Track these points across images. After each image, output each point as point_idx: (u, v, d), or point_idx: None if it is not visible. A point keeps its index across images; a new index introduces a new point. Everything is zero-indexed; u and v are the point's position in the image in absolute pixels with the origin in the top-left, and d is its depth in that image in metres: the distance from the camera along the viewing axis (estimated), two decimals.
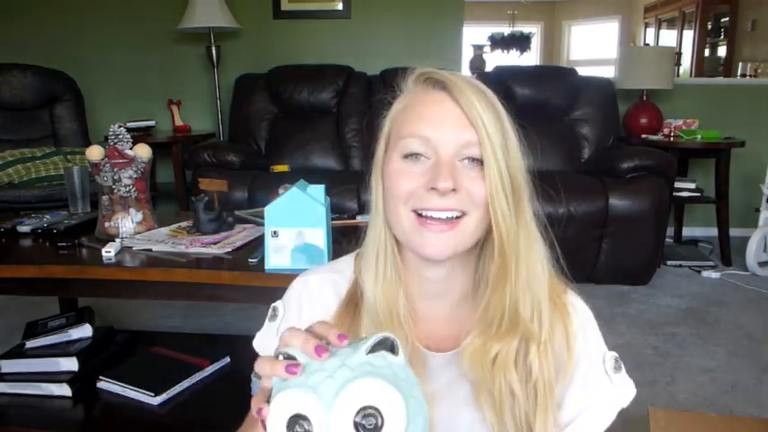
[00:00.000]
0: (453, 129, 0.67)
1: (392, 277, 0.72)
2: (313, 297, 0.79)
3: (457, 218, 0.67)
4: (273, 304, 0.83)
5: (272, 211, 1.29)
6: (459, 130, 0.67)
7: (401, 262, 0.74)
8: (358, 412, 0.45)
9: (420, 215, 0.67)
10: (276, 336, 0.79)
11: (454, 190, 0.66)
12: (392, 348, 0.49)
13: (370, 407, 0.45)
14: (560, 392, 0.71)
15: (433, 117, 0.68)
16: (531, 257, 0.70)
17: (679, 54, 6.39)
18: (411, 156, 0.68)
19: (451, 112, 0.67)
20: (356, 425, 0.45)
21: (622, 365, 0.75)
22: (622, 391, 0.74)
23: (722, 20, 6.34)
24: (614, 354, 0.75)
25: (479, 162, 0.67)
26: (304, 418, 0.46)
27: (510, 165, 0.68)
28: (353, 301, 0.75)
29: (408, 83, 0.73)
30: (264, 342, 0.82)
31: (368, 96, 3.64)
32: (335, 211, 1.55)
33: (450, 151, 0.67)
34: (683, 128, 3.67)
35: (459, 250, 0.68)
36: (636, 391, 0.75)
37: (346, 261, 0.81)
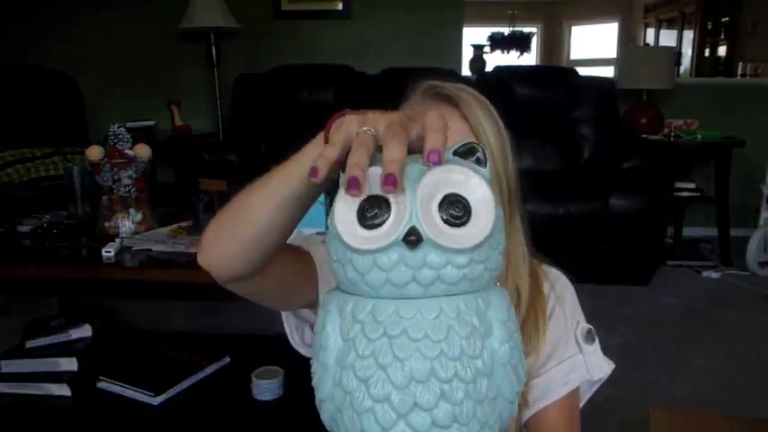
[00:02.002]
0: (459, 139, 0.69)
1: None
2: None
3: None
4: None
5: None
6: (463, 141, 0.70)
7: None
8: (443, 200, 0.42)
9: None
10: (322, 243, 0.76)
11: None
12: (478, 162, 0.46)
13: (457, 195, 0.42)
14: (532, 354, 0.74)
15: None
16: (517, 254, 0.74)
17: (679, 54, 6.39)
18: None
19: (460, 126, 0.71)
20: (441, 208, 0.42)
21: (596, 338, 0.78)
22: (591, 363, 0.76)
23: (722, 20, 6.34)
24: (589, 326, 0.78)
25: None
26: (383, 201, 0.42)
27: (507, 175, 0.72)
28: None
29: (416, 94, 0.76)
30: (307, 240, 0.77)
31: (368, 96, 3.63)
32: None
33: None
34: (683, 128, 3.67)
35: None
36: (610, 371, 0.77)
37: None
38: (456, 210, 0.42)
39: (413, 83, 0.77)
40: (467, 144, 0.45)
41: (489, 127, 0.71)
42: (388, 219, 0.42)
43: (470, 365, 0.43)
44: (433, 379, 0.42)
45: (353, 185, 0.41)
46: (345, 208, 0.43)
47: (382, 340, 0.43)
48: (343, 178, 0.43)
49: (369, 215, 0.42)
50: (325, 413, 0.48)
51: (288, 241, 0.74)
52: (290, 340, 0.83)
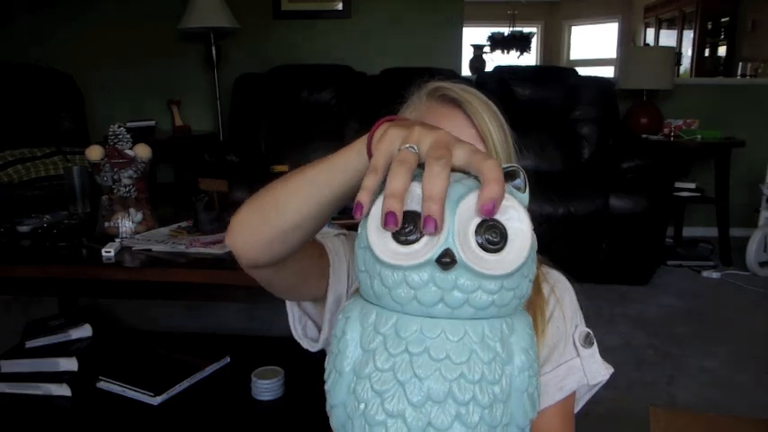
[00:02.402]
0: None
1: None
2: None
3: None
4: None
5: None
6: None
7: None
8: (480, 224, 0.42)
9: None
10: (335, 236, 0.77)
11: None
12: (517, 187, 0.45)
13: (495, 221, 0.42)
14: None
15: (449, 130, 0.70)
16: None
17: (679, 54, 6.39)
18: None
19: (465, 129, 0.71)
20: (477, 231, 0.42)
21: (595, 342, 0.78)
22: (589, 367, 0.75)
23: (722, 20, 6.34)
24: (587, 329, 0.78)
25: None
26: (419, 217, 0.41)
27: None
28: None
29: (421, 94, 0.76)
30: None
31: (368, 96, 3.64)
32: None
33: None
34: (683, 128, 3.67)
35: None
36: (608, 375, 0.77)
37: None
38: (492, 235, 0.42)
39: (417, 84, 0.77)
40: (508, 167, 0.44)
41: (494, 128, 0.71)
42: (423, 236, 0.42)
43: (489, 390, 0.43)
44: (450, 400, 0.42)
45: (391, 222, 0.40)
46: (376, 217, 0.42)
47: (403, 356, 0.43)
48: (379, 202, 0.42)
49: (404, 230, 0.42)
50: (335, 419, 0.47)
51: None
52: (293, 331, 0.83)
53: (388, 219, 0.40)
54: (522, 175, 0.45)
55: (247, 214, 0.59)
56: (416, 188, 0.41)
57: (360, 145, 0.49)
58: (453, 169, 0.42)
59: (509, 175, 0.44)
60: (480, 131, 0.70)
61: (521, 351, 0.45)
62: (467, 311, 0.42)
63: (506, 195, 0.42)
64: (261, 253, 0.60)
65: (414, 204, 0.42)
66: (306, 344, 0.80)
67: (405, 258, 0.41)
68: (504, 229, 0.42)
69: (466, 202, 0.42)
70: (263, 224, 0.57)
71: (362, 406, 0.44)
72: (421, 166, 0.41)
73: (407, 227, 0.42)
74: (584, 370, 0.75)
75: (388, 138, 0.44)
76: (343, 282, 0.75)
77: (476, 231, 0.42)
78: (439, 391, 0.42)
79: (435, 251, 0.41)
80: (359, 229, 0.45)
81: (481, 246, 0.42)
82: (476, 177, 0.42)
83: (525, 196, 0.45)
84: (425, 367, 0.42)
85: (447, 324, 0.43)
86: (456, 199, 0.42)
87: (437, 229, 0.39)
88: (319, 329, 0.79)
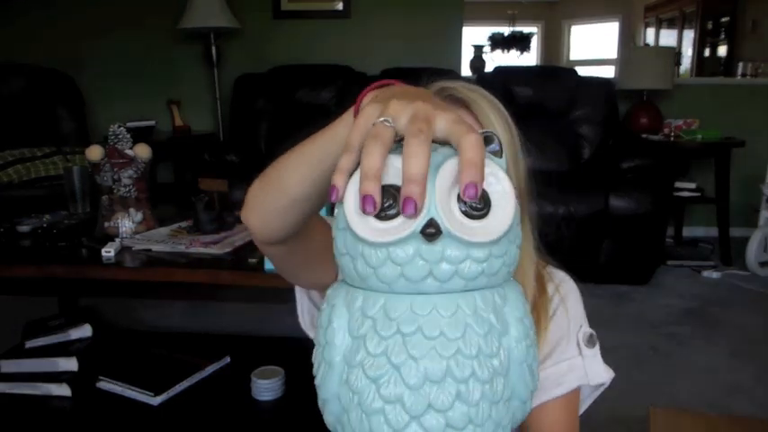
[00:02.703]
0: None
1: None
2: None
3: None
4: None
5: None
6: None
7: None
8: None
9: None
10: None
11: None
12: (495, 153, 0.43)
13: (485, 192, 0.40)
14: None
15: None
16: (526, 257, 0.74)
17: (679, 54, 6.39)
18: None
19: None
20: (460, 204, 0.40)
21: (597, 344, 0.77)
22: (590, 368, 0.75)
23: (722, 20, 6.34)
24: (591, 330, 0.77)
25: None
26: (398, 190, 0.39)
27: (518, 177, 0.72)
28: None
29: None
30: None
31: None
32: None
33: None
34: (683, 128, 3.67)
35: None
36: (609, 379, 0.77)
37: None
38: (476, 201, 0.40)
39: (423, 84, 0.77)
40: (484, 133, 0.42)
41: (500, 128, 0.71)
42: None
43: (487, 364, 0.41)
44: (448, 379, 0.40)
45: (369, 205, 0.38)
46: (352, 198, 0.41)
47: (395, 338, 0.41)
48: (356, 181, 0.40)
49: (384, 206, 0.39)
50: (329, 414, 0.46)
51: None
52: (300, 321, 0.83)
53: (365, 202, 0.38)
54: (497, 140, 0.43)
55: (257, 190, 0.60)
56: (395, 161, 0.40)
57: (348, 117, 0.48)
58: (434, 141, 0.40)
59: (486, 141, 0.42)
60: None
61: (516, 321, 0.43)
62: (457, 284, 0.40)
63: (487, 161, 0.40)
64: (273, 226, 0.60)
65: (392, 178, 0.40)
66: (313, 334, 0.80)
67: (387, 234, 0.39)
68: (487, 194, 0.41)
69: (445, 169, 0.40)
70: (271, 199, 0.58)
71: (357, 396, 0.42)
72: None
73: (387, 202, 0.39)
74: (586, 369, 0.75)
75: (365, 113, 0.42)
76: None
77: (458, 199, 0.40)
78: (436, 371, 0.40)
79: (419, 223, 0.39)
80: (335, 210, 0.43)
81: (465, 213, 0.40)
82: (452, 148, 0.41)
83: (503, 161, 0.43)
84: (420, 347, 0.40)
85: (438, 299, 0.41)
86: (435, 166, 0.40)
87: (417, 212, 0.38)
88: None
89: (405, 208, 0.37)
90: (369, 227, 0.40)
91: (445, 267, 0.40)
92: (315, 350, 0.47)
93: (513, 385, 0.43)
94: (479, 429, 0.42)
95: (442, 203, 0.40)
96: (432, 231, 0.39)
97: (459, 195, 0.39)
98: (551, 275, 0.79)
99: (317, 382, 0.46)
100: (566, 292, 0.78)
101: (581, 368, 0.75)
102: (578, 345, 0.75)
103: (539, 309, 0.74)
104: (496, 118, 0.71)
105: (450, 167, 0.40)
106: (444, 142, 0.41)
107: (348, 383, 0.43)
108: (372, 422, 0.42)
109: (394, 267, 0.40)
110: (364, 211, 0.39)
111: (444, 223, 0.39)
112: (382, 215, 0.40)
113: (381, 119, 0.40)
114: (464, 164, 0.38)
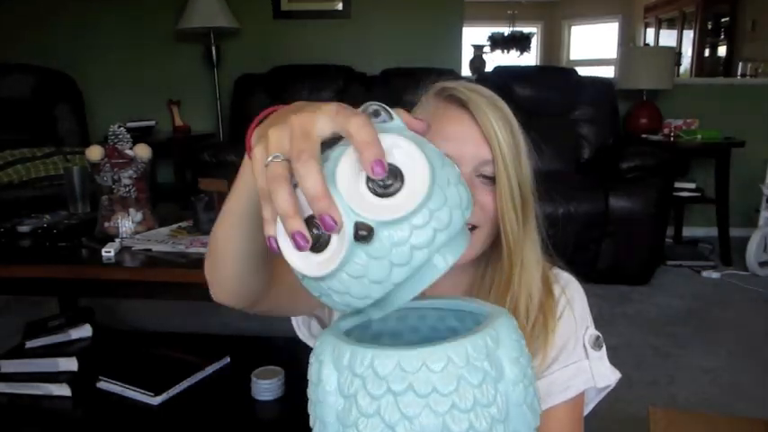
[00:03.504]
0: (472, 147, 0.70)
1: None
2: None
3: (471, 230, 0.71)
4: None
5: None
6: (477, 149, 0.70)
7: None
8: (368, 178, 0.39)
9: None
10: None
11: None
12: (384, 120, 0.42)
13: (393, 167, 0.39)
14: (538, 355, 0.73)
15: (454, 135, 0.71)
16: (532, 260, 0.73)
17: (679, 54, 6.39)
18: None
19: (471, 131, 0.70)
20: (369, 185, 0.39)
21: (603, 346, 0.77)
22: (597, 370, 0.75)
23: (722, 20, 6.34)
24: (597, 332, 0.77)
25: (493, 179, 0.71)
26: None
27: (521, 179, 0.71)
28: None
29: (429, 95, 0.76)
30: None
31: (368, 96, 3.63)
32: None
33: (469, 169, 0.70)
34: (683, 128, 3.67)
35: (469, 259, 0.73)
36: (615, 380, 0.77)
37: None
38: (385, 178, 0.38)
39: (425, 85, 0.77)
40: (366, 108, 0.41)
41: (501, 129, 0.70)
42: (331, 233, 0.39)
43: (485, 414, 0.40)
44: None
45: (301, 242, 0.38)
46: (286, 243, 0.40)
47: (387, 398, 0.40)
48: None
49: (315, 236, 0.39)
50: None
51: None
52: (298, 334, 0.83)
53: (296, 241, 0.38)
54: (382, 110, 0.41)
55: (209, 269, 0.60)
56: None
57: (247, 163, 0.48)
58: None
59: (372, 115, 0.41)
60: (485, 132, 0.70)
61: (511, 362, 0.42)
62: (420, 255, 0.39)
63: (394, 136, 0.39)
64: (242, 292, 0.60)
65: (307, 207, 0.39)
66: (314, 343, 0.80)
67: (331, 263, 0.39)
68: (395, 166, 0.39)
69: (343, 167, 0.39)
70: (225, 271, 0.58)
71: None
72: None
73: (317, 232, 0.39)
74: (592, 372, 0.75)
75: (255, 158, 0.41)
76: None
77: (369, 184, 0.39)
78: (432, 428, 0.39)
79: (349, 234, 0.38)
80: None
81: (376, 193, 0.38)
82: None
83: (398, 120, 0.41)
84: (413, 405, 0.39)
85: (427, 353, 0.40)
86: (331, 172, 0.39)
87: (338, 224, 0.37)
88: (323, 327, 0.79)
89: (325, 227, 0.37)
90: (312, 262, 0.40)
91: (398, 251, 0.38)
92: (309, 404, 0.46)
93: (515, 428, 0.43)
94: None
95: (356, 202, 0.38)
96: (364, 234, 0.38)
97: (366, 183, 0.38)
98: (557, 277, 0.79)
99: None
100: (572, 294, 0.78)
101: (588, 371, 0.74)
102: (584, 347, 0.75)
103: (546, 311, 0.74)
104: (496, 118, 0.70)
105: (347, 162, 0.39)
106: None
107: None
108: None
109: (359, 281, 0.39)
110: (300, 250, 0.38)
111: (368, 218, 0.38)
112: (317, 246, 0.39)
113: (270, 158, 0.40)
114: (359, 147, 0.38)
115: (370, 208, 0.38)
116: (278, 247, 0.41)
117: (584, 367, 0.74)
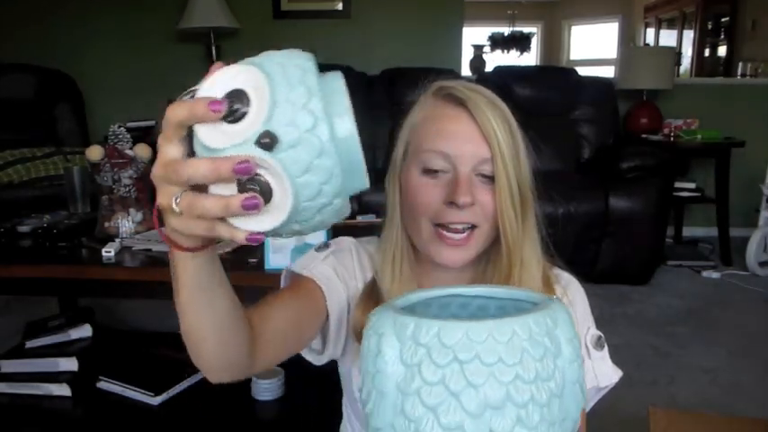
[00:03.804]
0: (471, 146, 0.70)
1: (408, 275, 0.77)
2: (361, 257, 0.82)
3: (471, 229, 0.71)
4: (325, 241, 0.84)
5: None
6: (476, 148, 0.70)
7: (415, 261, 0.78)
8: (229, 93, 0.40)
9: (438, 230, 0.71)
10: (323, 261, 0.78)
11: (472, 204, 0.70)
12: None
13: (241, 91, 0.40)
14: None
15: (453, 134, 0.71)
16: (532, 258, 0.73)
17: (679, 54, 6.39)
18: (431, 171, 0.71)
19: (469, 129, 0.70)
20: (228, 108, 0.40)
21: (605, 346, 0.78)
22: (600, 370, 0.76)
23: (722, 20, 6.34)
24: (599, 332, 0.78)
25: (492, 178, 0.71)
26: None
27: (519, 178, 0.71)
28: (375, 292, 0.77)
29: (427, 94, 0.76)
30: (306, 264, 0.78)
31: (368, 96, 3.63)
32: None
33: (468, 168, 0.70)
34: (683, 128, 3.67)
35: (470, 258, 0.73)
36: (617, 378, 0.77)
37: (373, 242, 0.84)
38: (233, 105, 0.39)
39: (423, 84, 0.77)
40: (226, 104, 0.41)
41: (500, 128, 0.70)
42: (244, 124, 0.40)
43: (544, 388, 0.42)
44: (508, 404, 0.41)
45: (255, 202, 0.39)
46: (243, 220, 0.42)
47: (453, 365, 0.41)
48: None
49: (261, 189, 0.40)
50: None
51: (289, 266, 0.78)
52: (308, 358, 0.83)
53: (249, 202, 0.39)
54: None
55: (194, 357, 0.60)
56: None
57: (172, 259, 0.51)
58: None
59: (235, 98, 0.41)
60: (483, 131, 0.70)
61: (567, 342, 0.44)
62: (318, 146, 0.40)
63: (239, 66, 0.41)
64: (235, 361, 0.61)
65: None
66: (311, 357, 0.80)
67: (283, 202, 0.41)
68: (246, 97, 0.40)
69: (200, 130, 0.41)
70: (207, 350, 0.58)
71: (414, 424, 0.42)
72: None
73: (252, 186, 0.40)
74: (595, 372, 0.75)
75: (166, 214, 0.44)
76: (342, 297, 0.76)
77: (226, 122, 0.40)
78: (497, 397, 0.41)
79: (254, 134, 0.39)
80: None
81: (233, 121, 0.40)
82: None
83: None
84: (479, 374, 0.41)
85: (494, 325, 0.42)
86: (200, 142, 0.41)
87: (250, 161, 0.38)
88: (323, 341, 0.79)
89: (247, 171, 0.38)
90: (272, 208, 0.40)
91: (302, 141, 0.39)
92: (362, 377, 0.47)
93: (567, 406, 0.44)
94: None
95: (230, 139, 0.39)
96: (267, 141, 0.38)
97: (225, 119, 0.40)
98: (558, 277, 0.79)
99: (367, 410, 0.46)
100: (573, 294, 0.78)
101: (590, 371, 0.75)
102: (587, 347, 0.76)
103: None
104: (495, 117, 0.70)
105: (201, 128, 0.40)
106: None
107: (404, 412, 0.43)
108: None
109: (309, 181, 0.40)
110: (255, 207, 0.39)
111: (278, 133, 0.39)
112: (264, 195, 0.40)
113: (176, 198, 0.42)
114: (194, 109, 0.40)
115: (239, 135, 0.39)
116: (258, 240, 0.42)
117: (586, 367, 0.74)
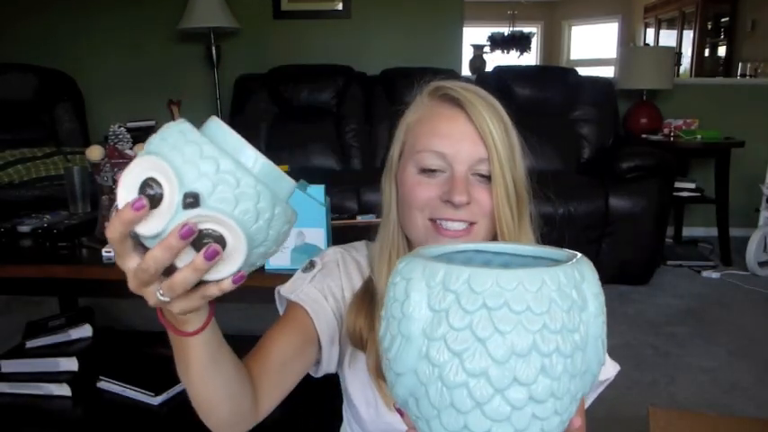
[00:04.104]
0: (467, 145, 0.71)
1: None
2: (348, 267, 0.83)
3: (468, 226, 0.72)
4: (311, 258, 0.85)
5: None
6: (472, 147, 0.71)
7: None
8: (141, 188, 0.45)
9: (435, 223, 0.72)
10: (309, 283, 0.80)
11: (468, 203, 0.70)
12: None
13: (148, 179, 0.44)
14: None
15: (449, 133, 0.71)
16: None
17: (679, 54, 6.39)
18: (427, 171, 0.72)
19: (466, 129, 0.71)
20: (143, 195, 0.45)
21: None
22: None
23: (722, 20, 6.34)
24: None
25: (488, 177, 0.71)
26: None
27: (515, 177, 0.72)
28: (369, 293, 0.78)
29: (424, 94, 0.76)
30: (293, 288, 0.80)
31: (368, 96, 3.63)
32: (335, 211, 1.55)
33: (465, 167, 0.71)
34: (683, 128, 3.67)
35: None
36: (615, 372, 0.79)
37: (361, 249, 0.85)
38: (149, 191, 0.44)
39: (419, 84, 0.77)
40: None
41: (496, 128, 0.70)
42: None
43: (569, 339, 0.42)
44: (534, 353, 0.41)
45: (216, 251, 0.44)
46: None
47: (481, 312, 0.41)
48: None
49: (215, 240, 0.45)
50: (402, 387, 0.46)
51: (279, 290, 0.80)
52: (318, 373, 0.84)
53: (210, 252, 0.45)
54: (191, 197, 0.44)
55: (212, 425, 0.65)
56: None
57: (168, 331, 0.57)
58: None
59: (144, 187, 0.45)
60: (480, 131, 0.70)
61: (593, 297, 0.45)
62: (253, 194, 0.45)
63: (147, 157, 0.45)
64: (244, 416, 0.66)
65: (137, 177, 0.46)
66: (309, 371, 0.81)
67: (237, 252, 0.46)
68: (159, 184, 0.44)
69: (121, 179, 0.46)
70: (217, 411, 0.63)
71: (438, 369, 0.42)
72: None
73: (207, 241, 0.45)
74: None
75: (163, 310, 0.51)
76: (330, 317, 0.78)
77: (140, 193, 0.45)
78: (523, 345, 0.41)
79: (178, 203, 0.44)
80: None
81: (152, 206, 0.44)
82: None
83: (175, 125, 0.47)
84: (507, 321, 0.41)
85: (524, 274, 0.42)
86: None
87: (190, 226, 0.43)
88: (317, 359, 0.80)
89: (188, 233, 0.43)
90: (228, 259, 0.46)
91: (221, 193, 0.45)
92: (385, 324, 0.47)
93: (589, 359, 0.45)
94: (558, 403, 0.43)
95: (164, 218, 0.44)
96: (191, 200, 0.43)
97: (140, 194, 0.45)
98: None
99: (390, 356, 0.46)
100: None
101: None
102: None
103: None
104: (491, 117, 0.70)
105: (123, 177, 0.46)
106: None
107: (428, 357, 0.43)
108: (455, 396, 0.42)
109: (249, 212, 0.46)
110: (214, 257, 0.45)
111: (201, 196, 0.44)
112: (223, 244, 0.45)
113: (160, 295, 0.48)
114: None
115: (167, 211, 0.44)
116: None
117: None
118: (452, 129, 0.71)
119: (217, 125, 0.50)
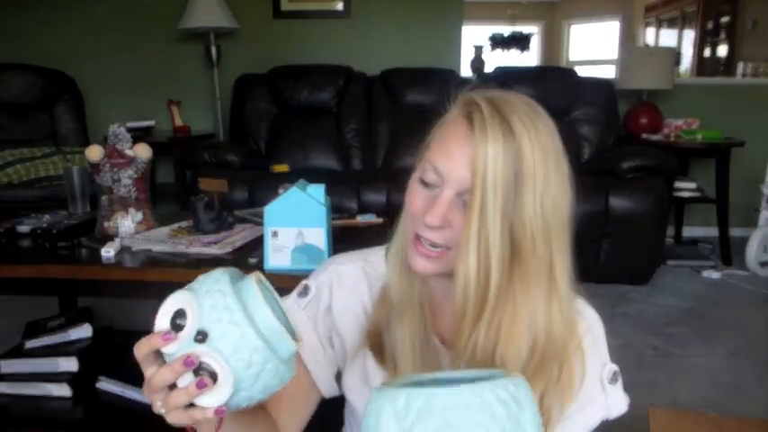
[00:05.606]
0: (458, 170, 0.65)
1: (405, 267, 0.74)
2: (345, 285, 0.82)
3: (445, 250, 0.68)
4: (305, 282, 0.84)
5: (271, 211, 1.29)
6: (462, 173, 0.65)
7: None
8: (174, 314, 0.56)
9: (416, 235, 0.70)
10: (303, 310, 0.82)
11: (441, 227, 0.66)
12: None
13: (177, 310, 0.56)
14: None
15: (450, 153, 0.66)
16: (523, 310, 0.66)
17: (679, 54, 6.38)
18: (425, 183, 0.69)
19: (464, 153, 0.64)
20: (172, 324, 0.56)
21: (620, 379, 0.78)
22: (612, 402, 0.76)
23: (722, 20, 6.34)
24: (615, 367, 0.78)
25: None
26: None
27: (513, 221, 0.64)
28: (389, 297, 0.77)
29: (458, 98, 0.71)
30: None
31: (368, 96, 3.63)
32: (335, 211, 1.55)
33: (452, 191, 0.66)
34: (683, 128, 3.67)
35: (440, 272, 0.70)
36: (626, 409, 0.78)
37: (377, 253, 0.84)
38: (176, 321, 0.56)
39: (461, 90, 0.72)
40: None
41: (496, 163, 0.63)
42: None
43: None
44: None
45: (205, 383, 0.55)
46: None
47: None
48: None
49: (209, 376, 0.56)
50: None
51: None
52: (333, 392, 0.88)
53: (201, 383, 0.55)
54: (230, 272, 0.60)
55: None
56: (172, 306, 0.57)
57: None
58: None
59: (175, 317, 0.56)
60: (472, 159, 0.64)
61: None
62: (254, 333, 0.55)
63: (182, 292, 0.57)
64: None
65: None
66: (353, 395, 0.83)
67: (225, 382, 0.56)
68: (185, 315, 0.55)
69: (161, 308, 0.57)
70: None
71: None
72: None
73: (203, 373, 0.55)
74: (608, 404, 0.76)
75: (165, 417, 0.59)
76: (315, 344, 0.82)
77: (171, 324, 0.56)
78: None
79: (191, 338, 0.55)
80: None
81: (177, 331, 0.56)
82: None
83: (214, 277, 0.58)
84: None
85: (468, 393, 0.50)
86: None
87: (191, 356, 0.55)
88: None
89: (191, 363, 0.55)
90: (219, 386, 0.56)
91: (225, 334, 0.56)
92: None
93: None
94: None
95: (180, 346, 0.56)
96: (200, 338, 0.54)
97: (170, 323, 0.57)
98: (581, 313, 0.76)
99: None
100: (597, 331, 0.77)
101: (604, 407, 0.76)
102: (602, 382, 0.76)
103: (571, 354, 0.70)
104: (497, 147, 0.63)
105: (162, 307, 0.58)
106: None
107: None
108: None
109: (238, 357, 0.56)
110: (204, 386, 0.55)
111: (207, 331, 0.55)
112: (213, 377, 0.55)
113: (159, 406, 0.59)
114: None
115: (182, 340, 0.56)
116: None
117: (600, 404, 0.75)
118: (454, 148, 0.66)
119: (248, 282, 0.59)
